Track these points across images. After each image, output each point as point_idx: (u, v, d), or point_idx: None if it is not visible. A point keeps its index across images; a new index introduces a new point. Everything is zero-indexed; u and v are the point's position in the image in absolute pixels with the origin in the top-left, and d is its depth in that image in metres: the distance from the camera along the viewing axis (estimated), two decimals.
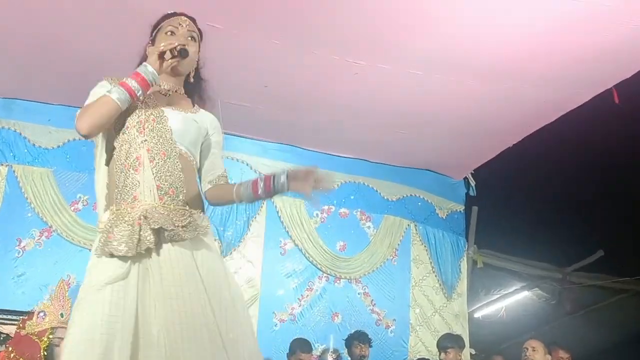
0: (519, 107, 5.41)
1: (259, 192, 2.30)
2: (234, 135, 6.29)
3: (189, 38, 2.47)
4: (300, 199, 6.43)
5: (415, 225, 6.93)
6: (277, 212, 6.33)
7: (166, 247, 2.16)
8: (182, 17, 2.52)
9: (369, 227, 6.73)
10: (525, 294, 8.35)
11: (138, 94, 2.25)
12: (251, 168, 6.38)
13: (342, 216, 6.66)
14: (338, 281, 6.47)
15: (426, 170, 7.11)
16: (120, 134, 2.32)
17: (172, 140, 2.32)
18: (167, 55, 2.31)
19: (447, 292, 6.91)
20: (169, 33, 2.48)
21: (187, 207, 2.26)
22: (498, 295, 8.46)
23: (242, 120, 6.00)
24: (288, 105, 5.67)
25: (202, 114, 2.54)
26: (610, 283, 7.94)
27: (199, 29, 2.57)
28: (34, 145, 5.74)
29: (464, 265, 7.16)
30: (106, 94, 2.24)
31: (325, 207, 6.58)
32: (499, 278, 8.12)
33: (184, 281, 2.12)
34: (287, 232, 6.33)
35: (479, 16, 4.27)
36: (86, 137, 2.27)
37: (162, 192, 2.23)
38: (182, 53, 2.37)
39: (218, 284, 2.22)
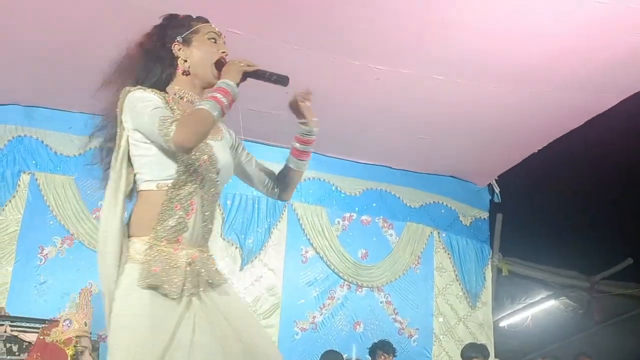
0: (543, 111, 5.37)
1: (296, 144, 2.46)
2: (254, 142, 6.24)
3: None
4: (321, 206, 6.44)
5: (439, 233, 6.91)
6: (299, 219, 6.34)
7: (203, 289, 2.17)
8: (213, 25, 2.45)
9: (391, 235, 6.73)
10: (552, 302, 8.29)
11: (225, 113, 2.15)
12: None
13: (364, 224, 6.65)
14: (360, 289, 6.46)
15: (449, 176, 7.09)
16: (179, 171, 2.17)
17: (218, 183, 2.28)
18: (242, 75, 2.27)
19: (472, 300, 6.88)
20: (212, 40, 2.41)
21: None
22: (524, 304, 8.40)
23: (262, 128, 6.01)
24: None
25: (225, 132, 2.45)
26: None
27: None
28: (55, 153, 5.80)
29: (489, 273, 7.14)
30: (203, 107, 2.10)
31: (347, 215, 6.58)
32: (524, 286, 8.08)
33: (226, 320, 2.18)
34: (309, 239, 6.33)
35: (501, 21, 4.25)
36: (187, 152, 2.11)
37: (205, 240, 2.24)
38: (283, 82, 2.33)
39: (247, 321, 2.30)
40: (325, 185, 6.58)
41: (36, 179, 5.70)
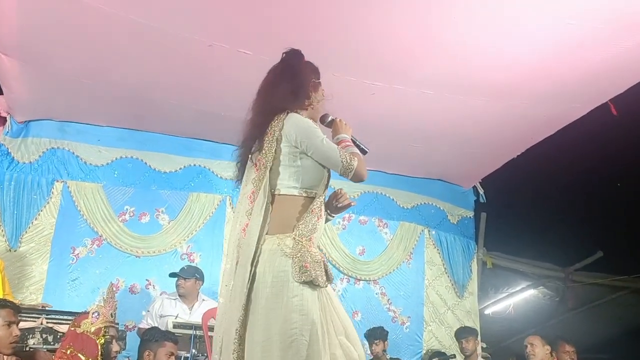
0: (522, 121, 5.37)
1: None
2: None
3: None
4: None
5: (429, 231, 6.90)
6: None
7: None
8: None
9: (386, 233, 6.72)
10: (532, 292, 8.28)
11: None
12: None
13: (361, 223, 6.64)
14: (358, 282, 6.46)
15: (438, 180, 7.08)
16: (320, 186, 2.53)
17: None
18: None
19: (459, 291, 6.87)
20: (325, 97, 2.69)
21: None
22: (506, 294, 8.40)
23: None
24: None
25: None
26: (609, 281, 7.85)
27: None
28: (85, 163, 5.81)
29: (475, 266, 7.12)
30: (360, 153, 2.58)
31: (347, 215, 6.55)
32: (506, 277, 8.08)
33: (336, 313, 2.46)
34: None
35: (484, 41, 4.25)
36: (360, 181, 2.58)
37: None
38: (363, 152, 2.65)
39: (347, 319, 2.57)
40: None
41: (68, 187, 5.71)
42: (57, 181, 5.71)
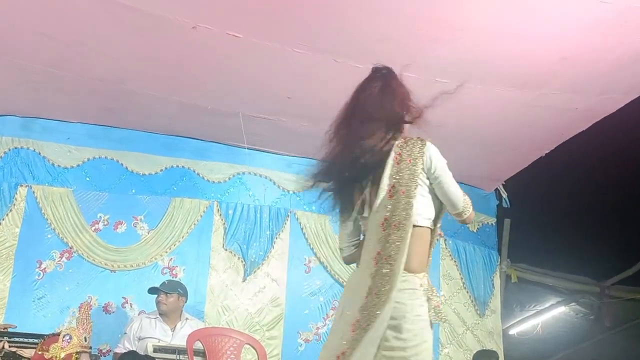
0: (550, 114, 5.33)
1: None
2: (257, 150, 6.32)
3: None
4: (325, 214, 6.40)
5: (445, 240, 6.85)
6: (302, 228, 6.30)
7: None
8: None
9: None
10: (562, 309, 8.24)
11: None
12: (275, 183, 6.38)
13: None
14: None
15: (457, 182, 7.02)
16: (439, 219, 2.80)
17: None
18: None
19: (480, 308, 6.85)
20: None
21: None
22: (534, 311, 8.36)
23: (264, 134, 6.02)
24: (312, 117, 5.64)
25: None
26: None
27: None
28: (53, 164, 5.79)
29: (497, 281, 7.09)
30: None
31: None
32: (534, 293, 8.04)
33: None
34: (312, 249, 6.29)
35: (507, 24, 4.20)
36: (466, 224, 2.96)
37: None
38: None
39: None
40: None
41: (33, 192, 5.68)
42: (21, 185, 5.69)
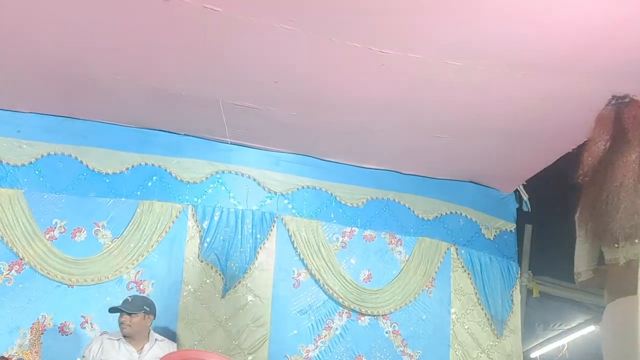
0: (579, 103, 5.24)
1: None
2: (239, 145, 6.33)
3: None
4: (317, 220, 6.38)
5: (457, 249, 6.88)
6: (290, 236, 6.28)
7: None
8: None
9: (399, 253, 6.68)
10: (592, 328, 8.20)
11: None
12: (259, 184, 6.37)
13: (367, 240, 6.60)
14: (362, 318, 6.41)
15: (469, 182, 7.11)
16: None
17: None
18: None
19: (497, 328, 6.84)
20: None
21: None
22: (559, 331, 8.40)
23: (248, 126, 6.00)
24: (302, 105, 5.63)
25: None
26: None
27: None
28: (1, 162, 5.76)
29: (517, 296, 7.10)
30: None
31: (348, 230, 6.53)
32: (559, 310, 8.07)
33: None
34: (302, 260, 6.27)
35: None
36: None
37: None
38: None
39: None
40: (321, 195, 6.54)
41: None
42: None
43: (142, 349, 5.14)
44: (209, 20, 4.40)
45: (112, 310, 5.18)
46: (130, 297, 5.27)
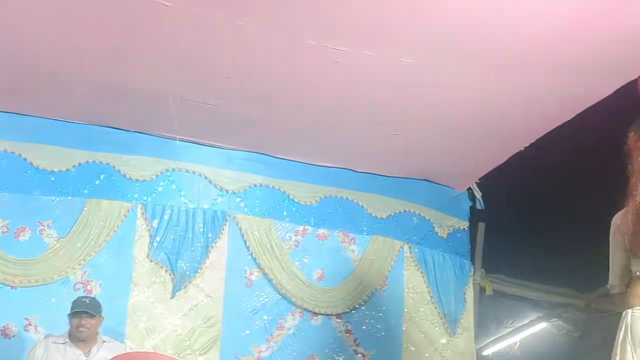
0: (533, 102, 5.37)
1: None
2: (190, 142, 6.27)
3: None
4: (270, 218, 6.34)
5: (410, 247, 6.90)
6: (242, 235, 6.25)
7: None
8: None
9: (353, 251, 6.68)
10: (543, 325, 8.39)
11: None
12: (211, 182, 6.32)
13: (320, 238, 6.60)
14: (315, 317, 6.41)
15: (423, 180, 7.12)
16: None
17: None
18: None
19: (450, 326, 6.88)
20: None
21: None
22: (511, 328, 8.49)
23: (199, 123, 5.95)
24: (255, 102, 5.61)
25: None
26: None
27: None
28: None
29: (470, 294, 7.14)
30: None
31: (301, 228, 6.52)
32: (511, 307, 8.16)
33: None
34: (255, 259, 6.24)
35: None
36: None
37: None
38: None
39: None
40: (274, 193, 6.51)
41: None
42: None
43: (89, 351, 5.02)
44: (160, 15, 4.35)
45: (76, 313, 5.05)
46: (86, 298, 5.17)
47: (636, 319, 3.31)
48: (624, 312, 3.44)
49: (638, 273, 3.39)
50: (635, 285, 3.37)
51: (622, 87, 5.08)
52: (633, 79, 4.95)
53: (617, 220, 3.56)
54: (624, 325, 3.29)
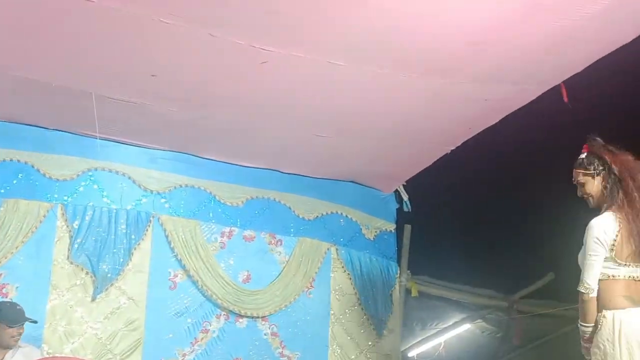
0: (459, 105, 5.44)
1: None
2: (113, 141, 6.15)
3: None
4: (195, 220, 6.27)
5: (337, 249, 6.93)
6: (167, 236, 6.18)
7: None
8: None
9: (279, 253, 6.68)
10: (467, 326, 8.46)
11: None
12: (135, 182, 6.23)
13: (246, 240, 6.57)
14: (240, 320, 6.39)
15: (350, 182, 7.15)
16: None
17: None
18: None
19: (377, 328, 6.93)
20: None
21: None
22: (436, 330, 8.52)
23: (122, 121, 5.85)
24: (181, 101, 5.54)
25: None
26: (563, 311, 8.04)
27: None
28: None
29: (396, 296, 7.19)
30: None
31: (227, 230, 6.48)
32: (436, 309, 8.19)
33: None
34: (179, 261, 6.19)
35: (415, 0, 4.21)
36: None
37: None
38: None
39: None
40: (200, 194, 6.46)
41: None
42: None
43: (3, 357, 4.96)
44: (82, 11, 4.25)
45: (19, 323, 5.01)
46: (16, 305, 5.11)
47: (626, 320, 3.56)
48: (603, 313, 3.66)
49: (617, 276, 3.69)
50: (614, 287, 3.67)
51: (547, 91, 5.18)
52: (557, 84, 5.07)
53: (599, 225, 3.71)
54: (612, 326, 3.57)
